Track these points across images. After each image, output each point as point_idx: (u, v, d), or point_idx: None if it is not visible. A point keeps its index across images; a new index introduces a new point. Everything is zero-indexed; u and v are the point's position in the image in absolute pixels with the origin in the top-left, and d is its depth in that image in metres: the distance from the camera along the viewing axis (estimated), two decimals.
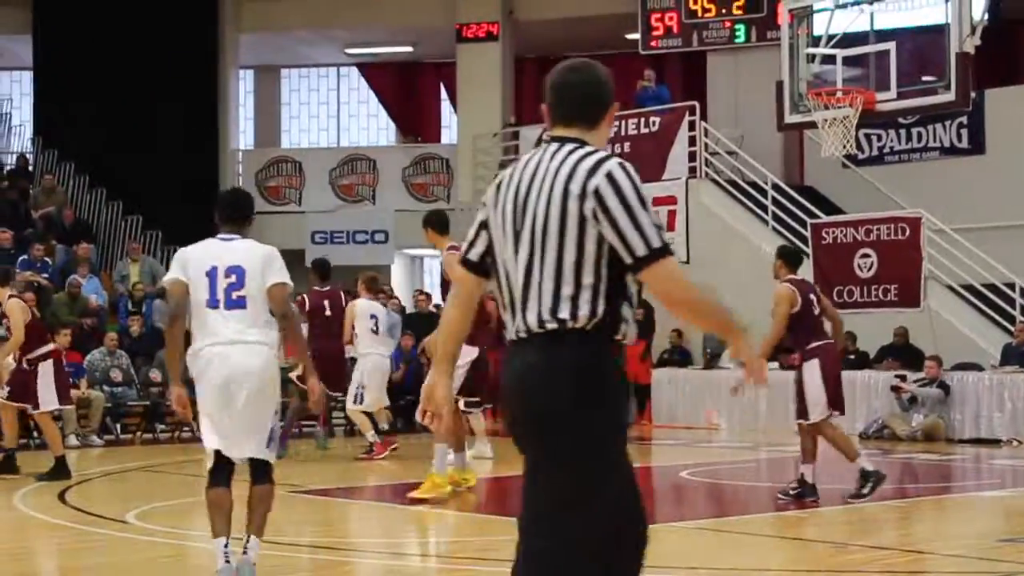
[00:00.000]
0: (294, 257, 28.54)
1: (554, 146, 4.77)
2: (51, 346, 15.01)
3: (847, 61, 18.62)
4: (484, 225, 4.89)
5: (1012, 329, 20.76)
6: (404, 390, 22.92)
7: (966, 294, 21.55)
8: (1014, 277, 21.27)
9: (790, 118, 19.50)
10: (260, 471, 8.17)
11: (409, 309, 25.14)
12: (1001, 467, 16.61)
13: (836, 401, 12.66)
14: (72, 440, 19.46)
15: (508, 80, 29.93)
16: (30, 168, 28.92)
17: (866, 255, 21.72)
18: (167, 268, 26.70)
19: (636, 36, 27.94)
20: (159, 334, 23.01)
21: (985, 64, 20.00)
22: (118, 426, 20.94)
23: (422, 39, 31.23)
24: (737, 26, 27.01)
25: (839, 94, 18.57)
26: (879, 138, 24.98)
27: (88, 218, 27.78)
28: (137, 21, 28.64)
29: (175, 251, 25.67)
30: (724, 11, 27.03)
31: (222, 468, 8.07)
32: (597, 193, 4.59)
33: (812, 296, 12.81)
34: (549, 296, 4.64)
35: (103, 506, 12.40)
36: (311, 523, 11.92)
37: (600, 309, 4.65)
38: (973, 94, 19.32)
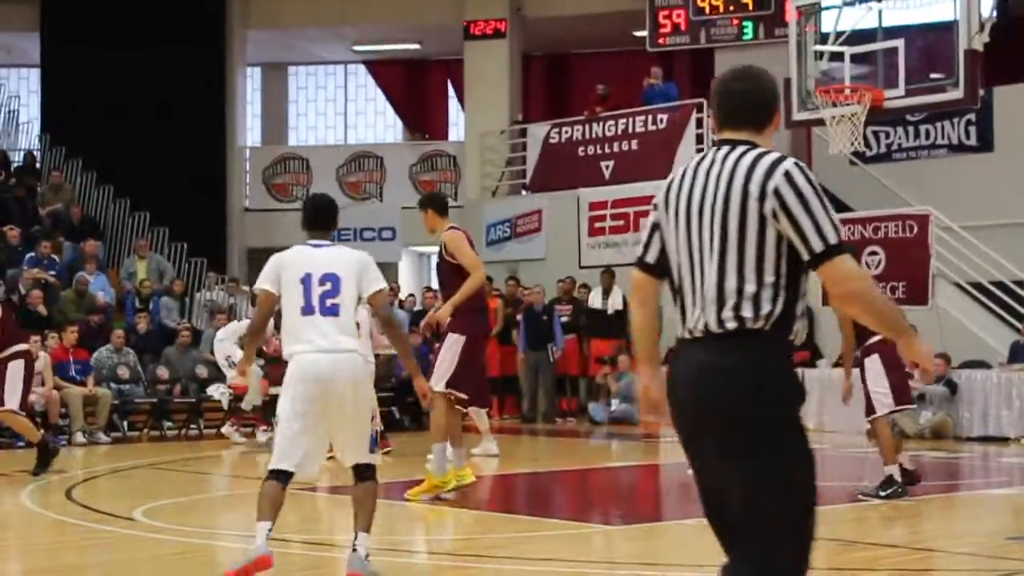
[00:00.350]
0: None
1: (725, 148, 4.84)
2: (23, 346, 14.80)
3: (855, 58, 18.60)
4: (656, 227, 5.03)
5: (1020, 327, 20.72)
6: (411, 387, 22.91)
7: (974, 292, 21.52)
8: (1022, 275, 21.24)
9: (798, 115, 19.48)
10: (364, 471, 8.27)
11: (417, 306, 25.14)
12: (1009, 465, 16.59)
13: (903, 396, 12.65)
14: (79, 437, 19.51)
15: (516, 77, 29.92)
16: (37, 165, 28.94)
17: (874, 252, 21.70)
18: (174, 265, 26.98)
19: (644, 33, 27.88)
20: (166, 331, 23.10)
21: (994, 61, 19.93)
22: (125, 423, 20.97)
23: (429, 36, 31.23)
24: (745, 23, 26.98)
25: (847, 91, 18.55)
26: (887, 135, 24.95)
27: (95, 215, 27.80)
28: (145, 18, 28.66)
29: (182, 248, 25.82)
30: (732, 8, 26.99)
31: (284, 473, 8.12)
32: (777, 192, 4.65)
33: None
34: (732, 295, 4.70)
35: (110, 503, 12.40)
36: (312, 520, 11.94)
37: (779, 307, 4.70)
38: (982, 91, 19.30)
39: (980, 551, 9.59)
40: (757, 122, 4.91)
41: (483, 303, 12.18)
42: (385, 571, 8.86)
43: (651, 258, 5.06)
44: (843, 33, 18.82)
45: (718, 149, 4.86)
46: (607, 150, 26.20)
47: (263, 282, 8.29)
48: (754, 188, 4.67)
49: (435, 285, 27.79)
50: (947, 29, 18.09)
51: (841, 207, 24.17)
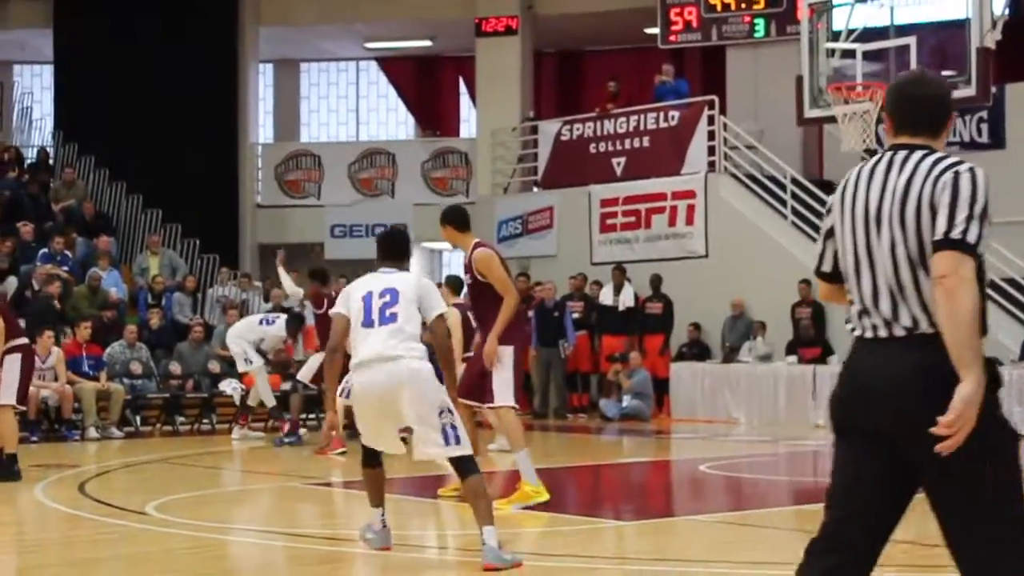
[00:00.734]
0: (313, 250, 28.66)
1: (903, 153, 4.86)
2: (20, 341, 14.39)
3: (867, 56, 18.58)
4: (830, 233, 5.00)
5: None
6: None
7: (986, 289, 21.45)
8: None
9: (810, 112, 19.47)
10: (462, 466, 8.58)
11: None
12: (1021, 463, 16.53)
13: None
14: (92, 432, 19.55)
15: (527, 74, 29.94)
16: (51, 162, 28.99)
17: None
18: (187, 261, 27.05)
19: (655, 30, 27.90)
20: (178, 327, 23.15)
21: (1006, 59, 19.93)
22: (138, 418, 21.02)
23: (441, 33, 31.24)
24: (756, 20, 26.98)
25: (859, 89, 18.53)
26: None
27: (108, 211, 27.86)
28: (157, 15, 28.70)
29: (195, 244, 25.89)
30: (743, 6, 27.00)
31: (372, 453, 8.92)
32: (943, 189, 4.68)
33: None
34: (916, 296, 4.72)
35: (123, 498, 12.43)
36: (325, 515, 11.95)
37: None
38: (993, 89, 19.29)
39: None
40: (935, 128, 4.96)
41: (522, 309, 11.96)
42: (398, 566, 8.88)
43: (827, 267, 5.07)
44: (855, 30, 18.80)
45: (895, 153, 4.89)
46: (618, 147, 26.20)
47: (339, 307, 8.82)
48: (930, 191, 4.70)
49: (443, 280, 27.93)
50: (959, 27, 18.07)
51: None
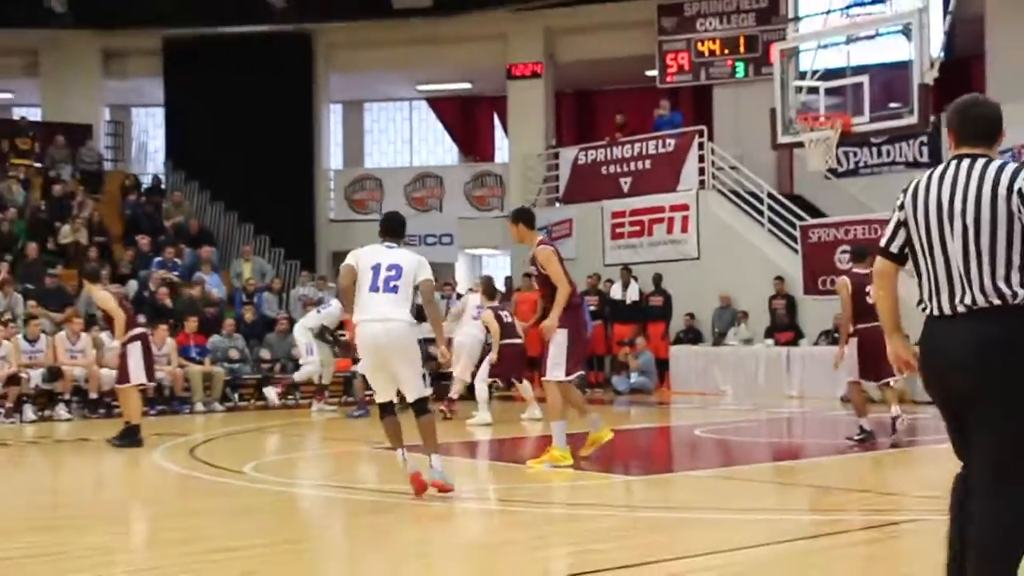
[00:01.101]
0: None
1: (967, 161, 4.98)
2: (139, 329, 14.42)
3: (828, 91, 18.55)
4: (902, 224, 5.13)
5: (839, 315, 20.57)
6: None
7: None
8: None
9: (782, 139, 19.43)
10: (420, 406, 9.26)
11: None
12: None
13: (867, 372, 13.02)
14: (199, 407, 19.65)
15: (550, 110, 29.93)
16: (163, 186, 29.12)
17: (845, 251, 21.60)
18: (274, 266, 27.02)
19: (654, 73, 27.91)
20: (267, 320, 23.22)
21: (942, 92, 19.81)
22: (236, 395, 21.10)
23: (479, 77, 31.24)
24: (737, 63, 26.98)
25: (822, 118, 18.50)
26: (855, 154, 24.85)
27: (210, 226, 27.94)
28: (248, 65, 28.77)
29: (280, 252, 25.84)
30: (727, 51, 27.04)
31: (385, 406, 9.40)
32: (1021, 192, 4.78)
33: (867, 287, 12.70)
34: (988, 277, 4.80)
35: (225, 460, 12.49)
36: (387, 474, 12.00)
37: None
38: (932, 118, 19.22)
39: (937, 494, 9.55)
40: (992, 139, 5.06)
41: (577, 301, 11.70)
42: (441, 516, 8.91)
43: (895, 248, 5.18)
44: (818, 71, 18.76)
45: (960, 161, 5.00)
46: (625, 169, 26.15)
47: (349, 259, 9.30)
48: (1002, 190, 4.80)
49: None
50: (904, 67, 18.01)
51: (818, 214, 24.13)
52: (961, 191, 4.88)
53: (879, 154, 24.67)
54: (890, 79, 18.66)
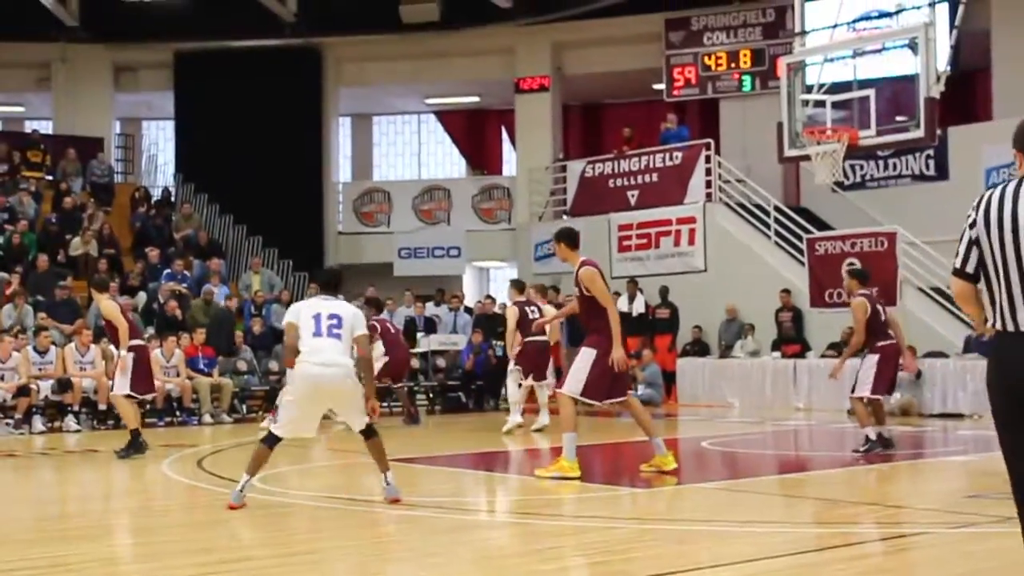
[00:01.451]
0: (384, 269, 28.76)
1: None
2: (137, 342, 14.33)
3: (835, 105, 18.48)
4: (974, 243, 5.04)
5: (971, 324, 20.55)
6: (475, 376, 23.02)
7: (934, 295, 21.38)
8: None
9: (789, 152, 19.37)
10: (368, 431, 9.71)
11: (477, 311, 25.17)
12: (964, 437, 16.44)
13: (881, 387, 13.38)
14: (207, 418, 19.62)
15: (557, 124, 29.95)
16: (172, 199, 29.16)
17: (851, 263, 21.57)
18: (282, 278, 27.03)
19: (661, 86, 27.96)
20: (276, 332, 23.16)
21: (948, 106, 19.80)
22: (244, 407, 21.08)
23: (487, 91, 31.29)
24: (744, 77, 27.00)
25: (829, 132, 18.44)
26: (861, 167, 24.82)
27: (219, 238, 27.98)
28: (258, 78, 28.86)
29: (289, 264, 25.90)
30: (733, 65, 27.08)
31: (276, 439, 9.61)
32: None
33: (879, 306, 13.42)
34: None
35: (233, 471, 12.42)
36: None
37: None
38: (938, 131, 19.15)
39: (942, 507, 9.51)
40: None
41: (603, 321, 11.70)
42: (452, 528, 8.87)
43: (970, 268, 5.08)
44: (824, 84, 18.71)
45: None
46: (632, 182, 26.15)
47: (289, 316, 9.76)
48: None
49: (493, 293, 27.96)
50: (910, 80, 17.95)
51: (824, 226, 24.10)
52: None
53: (886, 167, 24.64)
54: (896, 92, 18.60)
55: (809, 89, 18.99)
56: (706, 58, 27.34)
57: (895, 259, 21.37)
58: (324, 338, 9.43)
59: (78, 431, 18.18)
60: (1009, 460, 4.95)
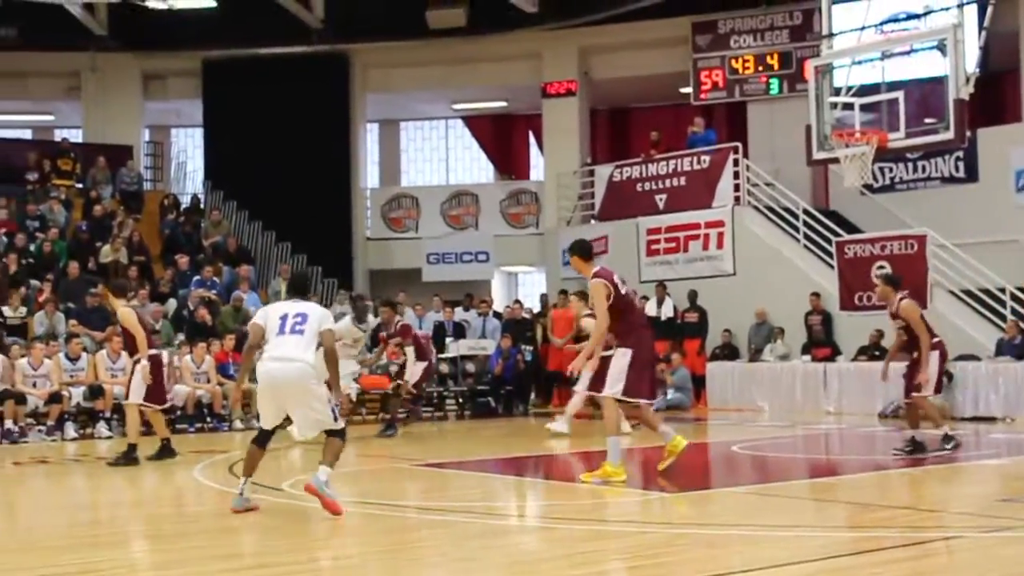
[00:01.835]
0: (413, 274, 28.78)
1: None
2: (152, 351, 14.34)
3: (863, 107, 18.41)
4: None
5: (1003, 326, 20.45)
6: (504, 381, 23.02)
7: (964, 298, 21.25)
8: (1004, 283, 20.97)
9: (817, 155, 19.30)
10: (335, 433, 9.69)
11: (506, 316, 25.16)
12: (997, 440, 16.34)
13: (940, 386, 13.93)
14: (237, 423, 19.63)
15: (585, 128, 29.93)
16: (201, 206, 29.25)
17: (881, 266, 21.50)
18: (312, 285, 26.92)
19: (688, 90, 27.91)
20: None
21: (978, 108, 19.70)
22: None
23: (514, 96, 31.28)
24: (772, 80, 26.92)
25: (857, 134, 18.36)
26: (891, 170, 24.71)
27: (248, 245, 28.07)
28: (286, 85, 28.95)
29: (318, 271, 25.97)
30: (761, 68, 27.01)
31: (264, 435, 9.85)
32: None
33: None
34: None
35: (262, 477, 12.40)
36: (425, 490, 11.96)
37: None
38: (968, 133, 19.06)
39: (976, 511, 9.43)
40: None
41: (643, 322, 11.78)
42: (483, 533, 8.84)
43: None
44: (853, 87, 18.64)
45: None
46: (660, 186, 26.09)
47: (257, 318, 9.86)
48: None
49: (521, 298, 27.94)
50: (939, 82, 17.87)
51: (853, 229, 23.99)
52: None
53: (915, 169, 24.52)
54: (925, 94, 18.51)
55: (837, 92, 18.92)
56: (733, 61, 27.27)
57: (925, 262, 21.26)
58: (286, 335, 9.52)
59: (109, 437, 18.25)
60: None
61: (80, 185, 27.95)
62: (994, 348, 20.21)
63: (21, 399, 18.11)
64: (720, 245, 24.58)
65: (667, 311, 24.05)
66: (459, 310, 25.29)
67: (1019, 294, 20.85)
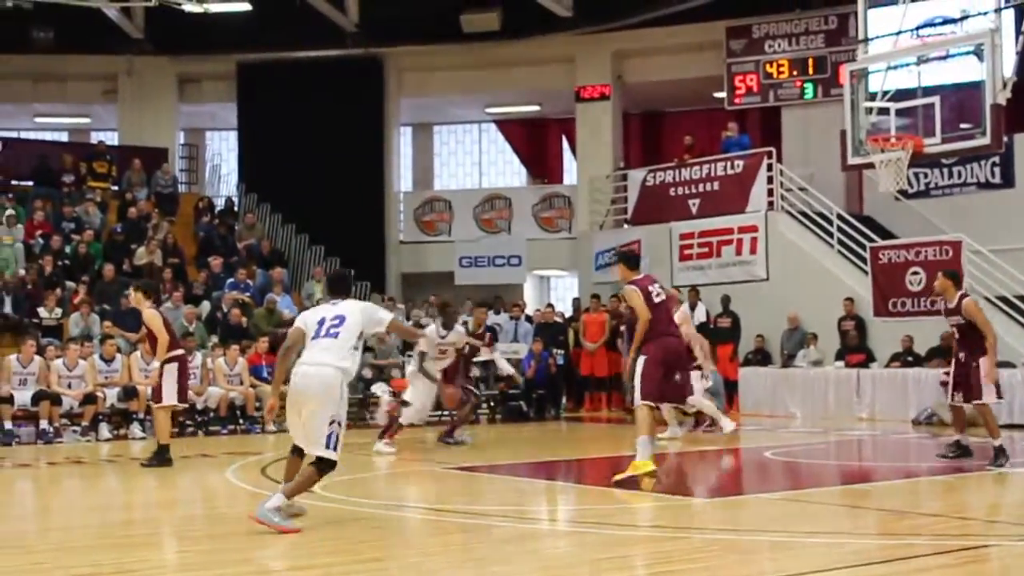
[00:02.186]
0: (445, 278, 28.82)
1: None
2: (179, 351, 14.56)
3: (899, 112, 18.30)
4: None
5: None
6: (536, 385, 23.02)
7: (1000, 304, 21.10)
8: None
9: (852, 160, 19.19)
10: (321, 464, 9.12)
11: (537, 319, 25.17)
12: None
13: (1001, 391, 13.57)
14: (271, 426, 19.66)
15: (618, 132, 29.91)
16: (236, 209, 29.38)
17: (916, 272, 21.41)
18: None
19: (722, 94, 27.84)
20: None
21: (1015, 113, 19.54)
22: None
23: (547, 100, 31.30)
24: (806, 85, 26.84)
25: (893, 140, 18.26)
26: (926, 175, 24.59)
27: (281, 248, 28.18)
28: (319, 89, 29.07)
29: (351, 273, 26.03)
30: (795, 73, 26.93)
31: (296, 447, 9.54)
32: None
33: None
34: None
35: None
36: (459, 493, 11.98)
37: None
38: (1004, 138, 18.92)
39: (1010, 519, 9.38)
40: None
41: (665, 330, 11.83)
42: (517, 537, 8.85)
43: None
44: (888, 92, 18.54)
45: None
46: (693, 190, 26.06)
47: (298, 321, 9.65)
48: None
49: (553, 302, 27.93)
50: (975, 87, 17.74)
51: (888, 235, 23.89)
52: None
53: (950, 175, 24.39)
54: (962, 100, 18.39)
55: (873, 96, 18.82)
56: (768, 66, 27.21)
57: (960, 267, 21.12)
58: (320, 339, 9.29)
59: (143, 438, 18.36)
60: None
61: (116, 187, 28.13)
62: None
63: (56, 400, 18.27)
64: (753, 250, 24.52)
65: (700, 316, 23.98)
66: (491, 314, 25.30)
67: None
